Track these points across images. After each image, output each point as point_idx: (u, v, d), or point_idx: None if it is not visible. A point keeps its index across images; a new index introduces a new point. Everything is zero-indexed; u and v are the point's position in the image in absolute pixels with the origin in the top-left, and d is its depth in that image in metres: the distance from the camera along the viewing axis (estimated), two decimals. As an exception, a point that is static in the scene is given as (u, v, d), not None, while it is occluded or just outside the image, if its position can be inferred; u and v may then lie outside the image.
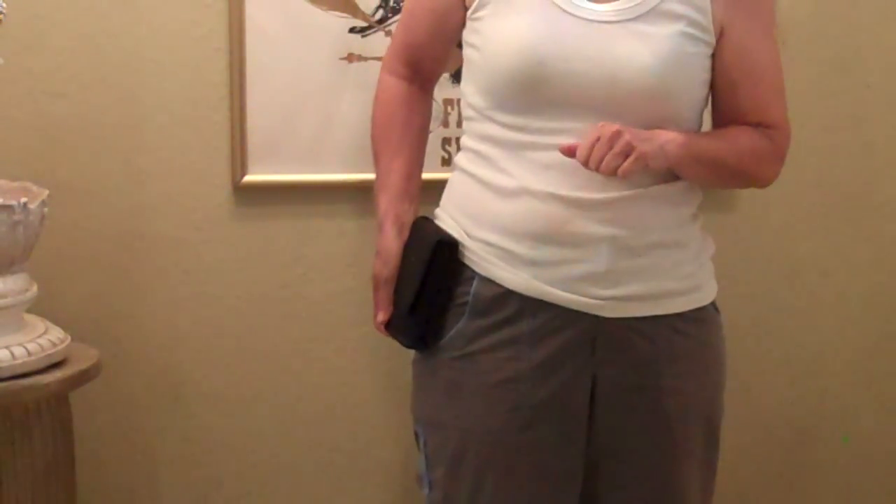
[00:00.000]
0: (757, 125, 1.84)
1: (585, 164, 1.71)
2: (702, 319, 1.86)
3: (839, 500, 2.60)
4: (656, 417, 1.83)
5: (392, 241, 1.90)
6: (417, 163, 1.97)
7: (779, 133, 1.86)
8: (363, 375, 2.38)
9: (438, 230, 1.87)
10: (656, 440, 1.84)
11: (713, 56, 1.81)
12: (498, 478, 1.83)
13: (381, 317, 1.92)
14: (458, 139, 2.08)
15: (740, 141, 1.83)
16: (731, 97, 1.84)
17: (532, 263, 1.78)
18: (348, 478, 2.40)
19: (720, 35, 1.80)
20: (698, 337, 1.86)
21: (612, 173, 1.70)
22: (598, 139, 1.70)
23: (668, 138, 1.75)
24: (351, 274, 2.32)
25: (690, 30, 1.78)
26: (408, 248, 1.89)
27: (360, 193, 2.28)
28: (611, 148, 1.70)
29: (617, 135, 1.70)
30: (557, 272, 1.77)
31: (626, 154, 1.70)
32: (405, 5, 2.00)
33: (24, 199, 1.92)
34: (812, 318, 2.54)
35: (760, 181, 1.92)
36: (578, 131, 1.74)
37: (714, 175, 1.85)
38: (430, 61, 1.97)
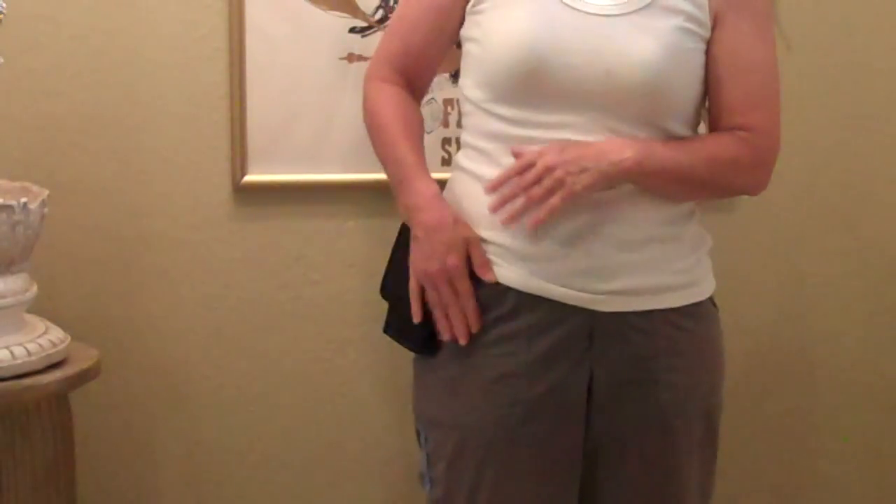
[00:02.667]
0: (737, 127, 1.81)
1: (500, 183, 1.73)
2: (699, 314, 1.86)
3: (838, 500, 2.60)
4: (654, 412, 1.83)
5: (451, 208, 1.82)
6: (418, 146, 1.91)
7: (759, 137, 1.81)
8: (363, 375, 2.38)
9: None
10: (654, 434, 1.84)
11: (707, 48, 1.81)
12: (497, 473, 1.83)
13: (491, 275, 1.78)
14: (458, 139, 2.08)
15: (710, 150, 1.80)
16: (716, 94, 1.82)
17: (528, 259, 1.78)
18: (349, 477, 2.40)
19: (714, 27, 1.80)
20: (696, 332, 1.85)
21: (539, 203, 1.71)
22: (531, 165, 1.71)
23: (622, 157, 1.72)
24: (351, 274, 2.33)
25: (688, 24, 1.78)
26: (408, 257, 1.89)
27: (360, 193, 2.29)
28: (538, 181, 1.71)
29: (548, 170, 1.70)
30: (554, 267, 1.77)
31: (552, 190, 1.70)
32: (396, 12, 1.96)
33: (24, 199, 1.93)
34: (811, 317, 2.54)
35: (743, 190, 1.90)
36: (576, 125, 1.74)
37: (682, 187, 1.81)
38: (423, 69, 1.94)
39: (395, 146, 1.87)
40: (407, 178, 1.84)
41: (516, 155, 1.74)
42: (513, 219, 1.74)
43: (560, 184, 1.70)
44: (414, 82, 1.94)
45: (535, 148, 1.73)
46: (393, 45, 1.93)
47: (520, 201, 1.73)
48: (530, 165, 1.72)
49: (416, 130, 1.90)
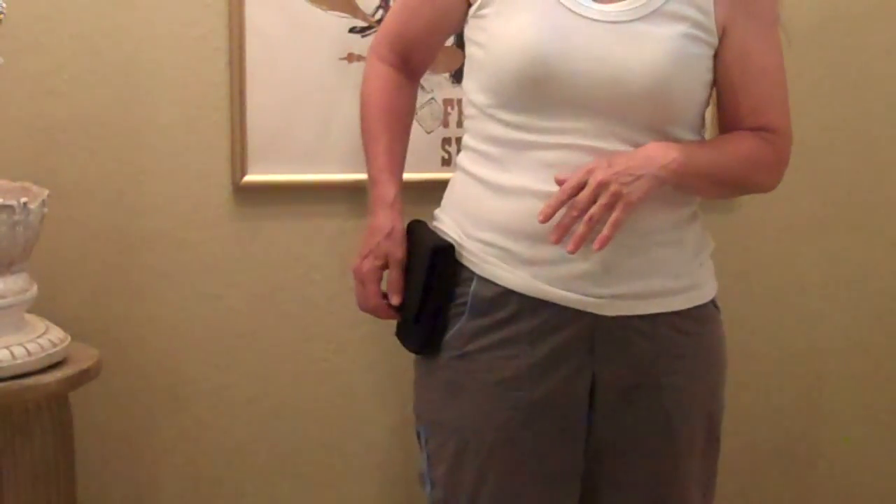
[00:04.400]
0: (758, 129, 1.84)
1: (554, 209, 1.70)
2: (702, 317, 1.86)
3: (838, 500, 2.60)
4: (656, 415, 1.83)
5: (401, 223, 1.89)
6: (406, 150, 1.97)
7: (779, 137, 1.85)
8: (363, 375, 2.37)
9: (433, 236, 1.86)
10: (656, 438, 1.84)
11: (715, 57, 1.81)
12: (499, 476, 1.83)
13: (396, 299, 1.87)
14: (458, 139, 2.08)
15: (742, 151, 1.82)
16: (732, 99, 1.84)
17: (531, 262, 1.78)
18: (348, 477, 2.40)
19: (722, 36, 1.80)
20: (698, 335, 1.86)
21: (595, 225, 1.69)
22: (582, 186, 1.69)
23: (668, 159, 1.73)
24: (351, 274, 2.32)
25: (693, 31, 1.78)
26: (407, 256, 1.89)
27: (360, 193, 2.28)
28: (595, 200, 1.69)
29: (603, 185, 1.68)
30: (556, 271, 1.77)
31: (611, 206, 1.69)
32: None
33: (24, 199, 1.92)
34: (811, 317, 2.54)
35: (763, 188, 1.92)
36: (580, 131, 1.74)
37: (717, 187, 1.86)
38: (422, 54, 1.97)
39: (372, 143, 1.93)
40: (373, 179, 1.92)
41: (560, 182, 1.71)
42: (579, 245, 1.70)
43: (617, 197, 1.69)
44: (411, 63, 1.97)
45: (576, 170, 1.71)
46: (393, 28, 1.97)
47: (582, 225, 1.69)
48: (581, 186, 1.70)
49: (400, 120, 1.94)
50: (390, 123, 1.93)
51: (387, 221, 1.88)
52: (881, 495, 2.62)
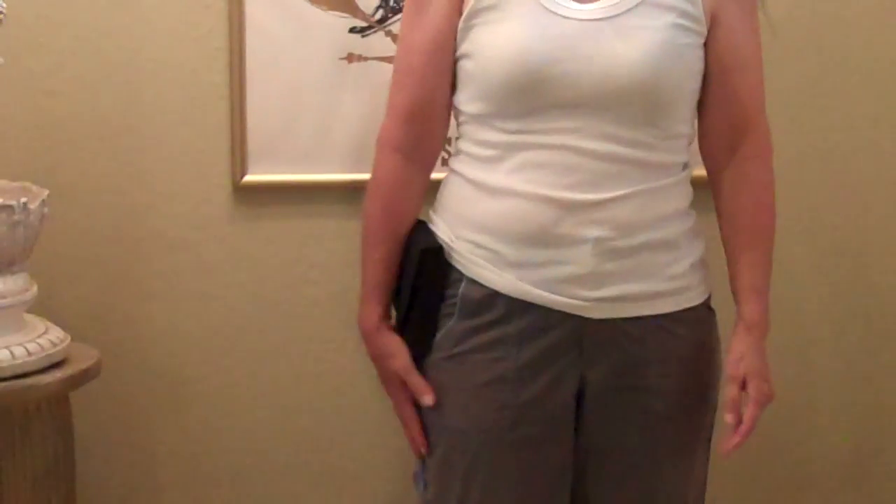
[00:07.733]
0: (736, 124, 1.84)
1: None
2: (693, 320, 1.86)
3: (835, 499, 2.60)
4: (645, 417, 1.83)
5: (393, 337, 1.89)
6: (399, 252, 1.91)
7: (760, 137, 1.87)
8: (363, 375, 2.37)
9: (426, 237, 1.86)
10: (644, 440, 1.84)
11: (705, 46, 1.81)
12: (486, 477, 1.83)
13: (429, 399, 1.86)
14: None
15: (766, 231, 1.95)
16: (722, 86, 1.83)
17: (517, 265, 1.78)
18: (348, 477, 2.41)
19: (712, 25, 1.80)
20: (689, 338, 1.85)
21: None
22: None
23: (762, 322, 1.90)
24: (351, 274, 2.31)
25: (682, 21, 1.78)
26: (403, 256, 1.89)
27: (360, 193, 2.27)
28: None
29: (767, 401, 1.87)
30: (542, 274, 1.77)
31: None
32: (394, 66, 1.90)
33: (24, 199, 1.93)
34: (809, 317, 2.53)
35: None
36: (573, 130, 1.74)
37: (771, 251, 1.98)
38: (434, 119, 1.87)
39: (369, 248, 1.91)
40: (363, 295, 1.92)
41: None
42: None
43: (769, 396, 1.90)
44: (425, 139, 1.88)
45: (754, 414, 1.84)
46: (398, 101, 1.88)
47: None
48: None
49: (403, 224, 1.89)
50: (394, 229, 1.89)
51: (378, 345, 1.91)
52: (881, 495, 2.62)
